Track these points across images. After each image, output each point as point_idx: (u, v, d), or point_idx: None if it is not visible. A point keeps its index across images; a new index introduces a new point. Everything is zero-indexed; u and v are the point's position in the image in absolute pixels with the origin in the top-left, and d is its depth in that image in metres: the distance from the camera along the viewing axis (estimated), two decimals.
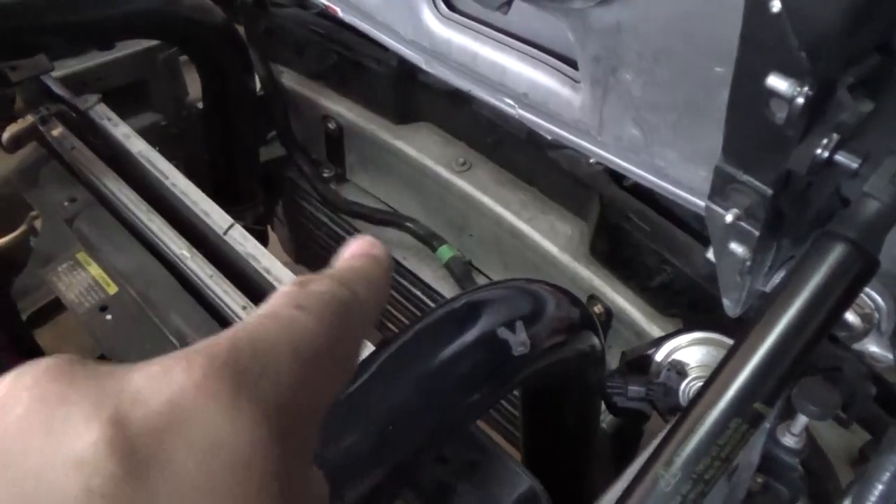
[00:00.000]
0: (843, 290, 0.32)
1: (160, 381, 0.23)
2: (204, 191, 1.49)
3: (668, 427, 0.55)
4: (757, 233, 0.57)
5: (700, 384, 0.83)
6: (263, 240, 1.58)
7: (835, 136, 0.36)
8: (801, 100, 0.36)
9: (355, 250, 0.34)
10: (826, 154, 0.36)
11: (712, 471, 0.31)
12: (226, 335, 0.26)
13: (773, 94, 0.40)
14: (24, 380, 0.23)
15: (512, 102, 0.91)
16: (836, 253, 0.32)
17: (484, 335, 0.59)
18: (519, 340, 0.60)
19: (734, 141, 0.57)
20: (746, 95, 0.48)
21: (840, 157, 0.36)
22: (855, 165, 0.35)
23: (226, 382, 0.24)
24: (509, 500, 0.62)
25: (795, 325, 0.31)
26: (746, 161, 0.57)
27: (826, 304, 0.31)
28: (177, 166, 1.46)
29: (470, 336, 0.60)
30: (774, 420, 0.70)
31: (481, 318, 0.61)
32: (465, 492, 0.62)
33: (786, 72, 0.37)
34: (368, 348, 0.78)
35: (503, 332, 0.59)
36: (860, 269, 0.32)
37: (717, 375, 0.33)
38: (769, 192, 0.56)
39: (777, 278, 0.54)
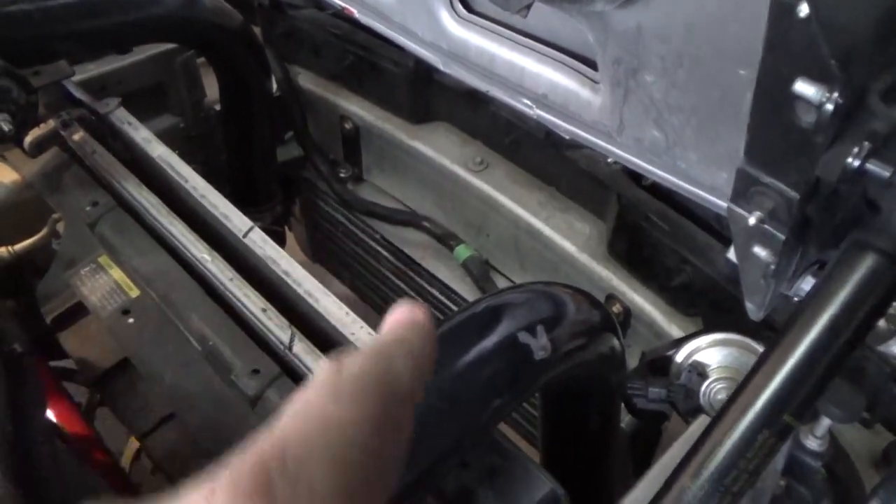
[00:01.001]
0: (875, 300, 0.31)
1: None
2: (223, 192, 1.51)
3: (694, 435, 0.54)
4: (781, 236, 0.56)
5: (721, 386, 0.82)
6: (281, 240, 1.59)
7: (866, 145, 0.35)
8: (830, 106, 0.36)
9: (396, 318, 0.33)
10: (857, 163, 0.36)
11: (740, 483, 0.30)
12: (254, 449, 0.25)
13: (800, 99, 0.39)
14: None
15: (530, 103, 0.91)
16: (867, 263, 0.31)
17: (505, 340, 0.59)
18: (540, 345, 0.59)
19: (758, 144, 0.56)
20: (771, 99, 0.47)
21: (872, 166, 0.35)
22: (887, 174, 0.34)
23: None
24: (531, 503, 0.62)
25: (827, 336, 0.31)
26: (770, 164, 0.56)
27: (858, 315, 0.31)
28: (196, 168, 1.47)
29: (491, 341, 0.60)
30: None
31: (502, 323, 0.61)
32: (487, 496, 0.62)
33: (814, 77, 0.37)
34: None
35: (524, 337, 0.59)
36: (893, 279, 0.31)
37: (745, 386, 0.33)
38: (794, 195, 0.55)
39: (802, 283, 0.54)
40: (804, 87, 0.37)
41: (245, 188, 1.45)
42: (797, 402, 0.31)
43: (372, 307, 1.61)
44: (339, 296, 1.72)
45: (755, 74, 0.48)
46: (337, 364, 0.29)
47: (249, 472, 0.25)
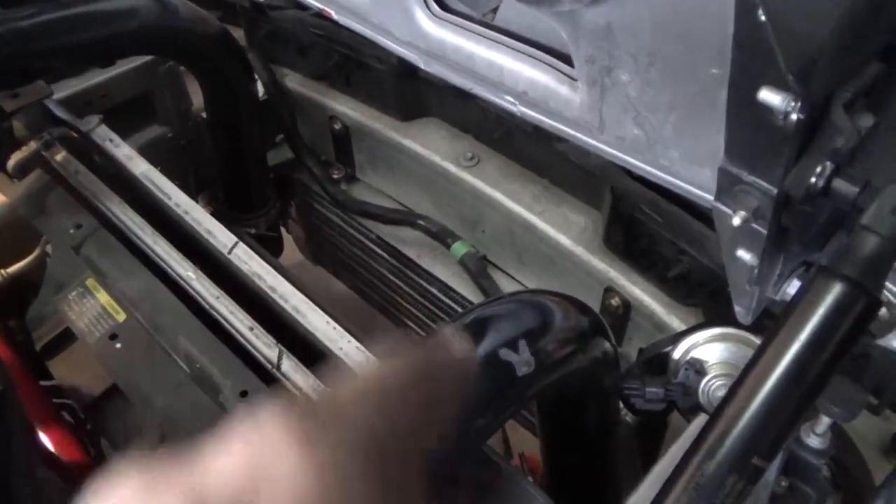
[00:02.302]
0: (844, 332, 0.29)
1: (224, 457, 0.26)
2: (216, 200, 1.49)
3: (693, 435, 0.51)
4: (765, 232, 0.54)
5: (720, 383, 0.80)
6: (277, 246, 1.58)
7: (829, 165, 0.33)
8: (794, 116, 0.34)
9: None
10: (821, 183, 0.33)
11: None
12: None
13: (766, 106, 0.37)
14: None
15: (513, 100, 0.89)
16: (835, 293, 0.29)
17: (485, 359, 0.57)
18: (523, 360, 0.58)
19: (736, 142, 0.54)
20: (746, 99, 0.45)
21: (837, 186, 0.33)
22: (853, 194, 0.32)
23: (291, 437, 0.26)
24: None
25: (793, 373, 0.29)
26: (751, 162, 0.54)
27: (826, 348, 0.29)
28: (187, 177, 1.46)
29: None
30: None
31: (484, 340, 0.59)
32: None
33: (778, 86, 0.34)
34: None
35: (506, 354, 0.57)
36: (862, 309, 0.29)
37: (711, 428, 0.31)
38: (775, 191, 0.53)
39: (788, 287, 0.51)
40: (769, 96, 0.35)
41: (238, 195, 1.44)
42: (767, 444, 0.29)
43: (373, 306, 1.60)
44: (339, 296, 1.72)
45: (728, 73, 0.45)
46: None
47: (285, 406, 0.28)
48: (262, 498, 0.25)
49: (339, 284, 1.69)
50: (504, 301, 0.65)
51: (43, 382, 0.90)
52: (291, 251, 1.76)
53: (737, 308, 0.59)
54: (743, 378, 0.31)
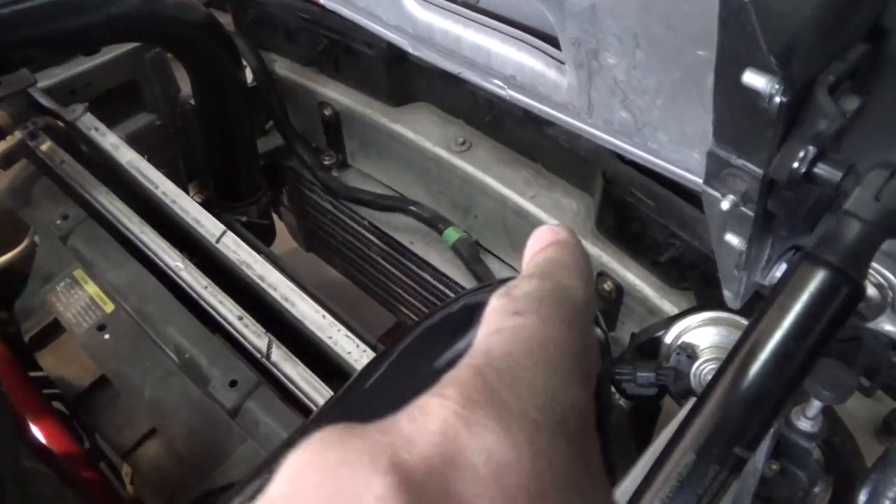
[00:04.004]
0: (827, 319, 0.29)
1: (424, 421, 0.23)
2: (206, 188, 1.48)
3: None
4: (753, 217, 0.53)
5: (712, 367, 0.80)
6: (269, 233, 1.57)
7: (811, 150, 0.32)
8: (778, 99, 0.33)
9: (539, 242, 0.32)
10: (804, 168, 0.33)
11: None
12: (464, 364, 0.26)
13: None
14: (306, 455, 0.23)
15: (501, 84, 0.88)
16: (818, 280, 0.29)
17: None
18: None
19: (724, 125, 0.53)
20: (732, 81, 0.44)
21: (820, 171, 0.32)
22: (836, 179, 0.32)
23: (485, 406, 0.24)
24: None
25: (776, 362, 0.28)
26: (739, 145, 0.53)
27: (810, 336, 0.28)
28: (177, 166, 1.45)
29: (462, 346, 0.58)
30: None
31: (475, 325, 0.58)
32: None
33: (762, 68, 0.34)
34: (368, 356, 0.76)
35: None
36: (845, 297, 0.29)
37: (694, 416, 0.30)
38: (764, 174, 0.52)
39: (777, 271, 0.51)
40: (753, 79, 0.34)
41: (228, 183, 1.43)
42: (751, 434, 0.28)
43: (367, 293, 1.60)
44: (333, 283, 1.71)
45: (714, 55, 0.45)
46: (506, 290, 0.29)
47: (470, 377, 0.25)
48: (463, 468, 0.23)
49: (332, 272, 1.69)
50: (494, 286, 0.64)
51: (32, 374, 0.89)
52: (286, 240, 1.75)
53: (726, 293, 0.58)
54: (725, 367, 0.31)
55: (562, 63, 0.72)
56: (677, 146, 0.63)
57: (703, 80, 0.52)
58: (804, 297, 0.28)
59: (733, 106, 0.49)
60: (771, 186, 0.40)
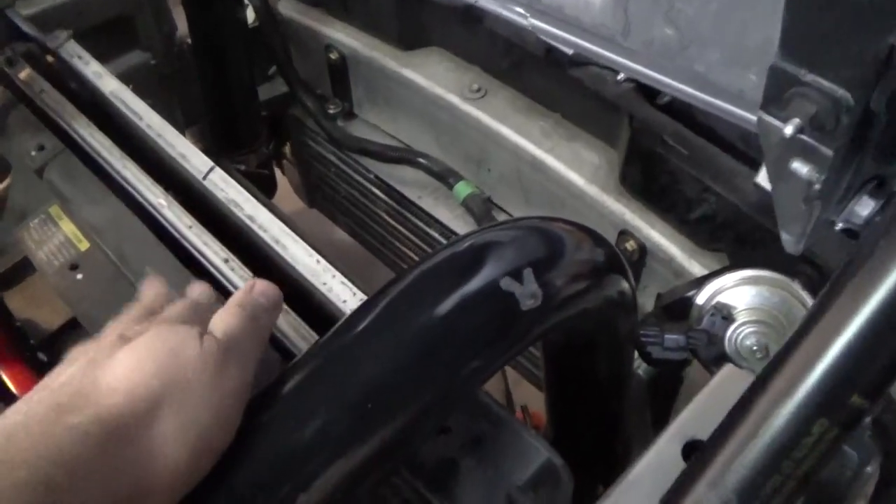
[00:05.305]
0: None
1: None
2: (204, 134, 1.40)
3: (717, 387, 0.44)
4: (825, 148, 0.45)
5: (750, 330, 0.72)
6: (271, 184, 1.49)
7: None
8: None
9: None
10: None
11: (783, 495, 0.20)
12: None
13: None
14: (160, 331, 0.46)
15: (523, 11, 0.79)
16: None
17: (485, 287, 0.49)
18: (528, 292, 0.49)
19: (798, 29, 0.44)
20: None
21: None
22: None
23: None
24: (522, 476, 0.53)
25: None
26: (814, 56, 0.44)
27: None
28: (174, 110, 1.37)
29: (469, 289, 0.49)
30: None
31: (482, 268, 0.50)
32: (471, 469, 0.53)
33: None
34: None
35: (508, 283, 0.49)
36: None
37: (790, 354, 0.22)
38: (844, 94, 0.43)
39: (856, 205, 0.42)
40: None
41: (226, 130, 1.35)
42: (872, 374, 0.20)
43: (371, 252, 1.52)
44: (337, 242, 1.63)
45: None
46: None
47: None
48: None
49: (335, 233, 1.61)
50: (506, 226, 0.56)
51: None
52: (286, 196, 1.67)
53: (784, 236, 0.50)
54: (839, 288, 0.22)
55: None
56: (730, 65, 0.54)
57: None
58: None
59: (811, 3, 0.41)
60: (888, 63, 0.31)
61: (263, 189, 1.42)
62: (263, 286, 0.54)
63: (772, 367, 0.23)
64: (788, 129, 0.45)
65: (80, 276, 0.75)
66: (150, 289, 0.56)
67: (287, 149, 1.57)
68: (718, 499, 0.20)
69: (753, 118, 0.52)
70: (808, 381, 0.21)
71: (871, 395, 0.21)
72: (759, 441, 0.21)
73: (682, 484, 0.23)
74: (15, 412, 0.40)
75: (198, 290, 0.57)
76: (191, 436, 0.41)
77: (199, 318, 0.50)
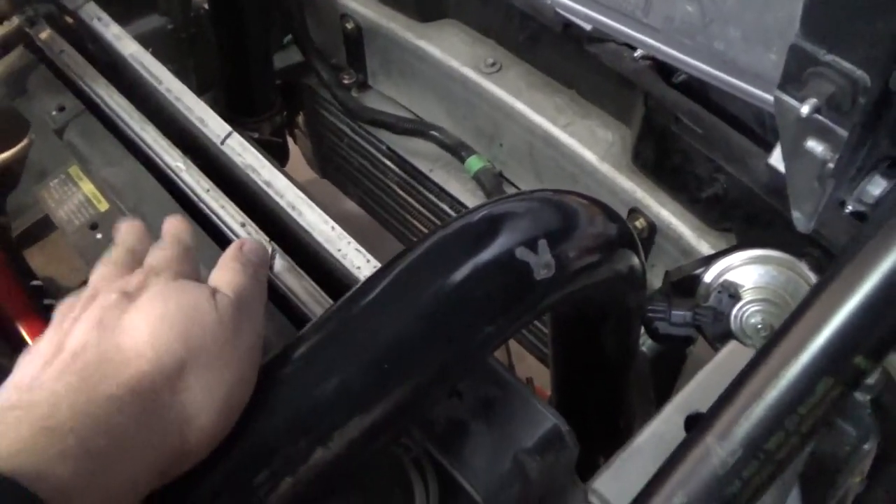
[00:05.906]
0: None
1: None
2: (219, 100, 1.40)
3: (722, 363, 0.46)
4: (840, 129, 0.45)
5: (756, 308, 0.73)
6: (283, 153, 1.50)
7: None
8: None
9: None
10: None
11: (787, 448, 0.22)
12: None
13: None
14: (169, 290, 0.46)
15: None
16: None
17: (500, 256, 0.50)
18: (542, 262, 0.50)
19: (818, 7, 0.45)
20: None
21: None
22: None
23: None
24: (530, 440, 0.54)
25: None
26: (833, 35, 0.45)
27: None
28: (189, 75, 1.37)
29: (484, 257, 0.51)
30: None
31: (500, 236, 0.51)
32: (480, 431, 0.54)
33: None
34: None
35: (523, 253, 0.50)
36: None
37: (799, 316, 0.23)
38: (861, 74, 0.44)
39: (868, 185, 0.43)
40: None
41: (241, 96, 1.35)
42: (876, 337, 0.21)
43: (381, 224, 1.53)
44: (347, 213, 1.64)
45: None
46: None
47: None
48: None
49: (346, 205, 1.62)
50: (522, 197, 0.57)
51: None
52: (298, 166, 1.67)
53: (795, 214, 0.51)
54: (851, 253, 0.23)
55: None
56: (751, 44, 0.54)
57: None
58: None
59: None
60: (885, 93, 0.32)
61: (276, 157, 1.42)
62: (252, 244, 0.54)
63: (783, 330, 0.24)
64: (805, 109, 0.46)
65: (99, 236, 0.77)
66: (130, 230, 0.55)
67: (300, 118, 1.57)
68: (726, 450, 0.22)
69: (770, 98, 0.53)
70: (817, 342, 0.22)
71: (873, 356, 0.22)
72: (767, 397, 0.22)
73: (696, 431, 0.24)
74: (45, 379, 0.40)
75: (175, 226, 0.55)
76: (218, 396, 0.42)
77: (190, 264, 0.50)
